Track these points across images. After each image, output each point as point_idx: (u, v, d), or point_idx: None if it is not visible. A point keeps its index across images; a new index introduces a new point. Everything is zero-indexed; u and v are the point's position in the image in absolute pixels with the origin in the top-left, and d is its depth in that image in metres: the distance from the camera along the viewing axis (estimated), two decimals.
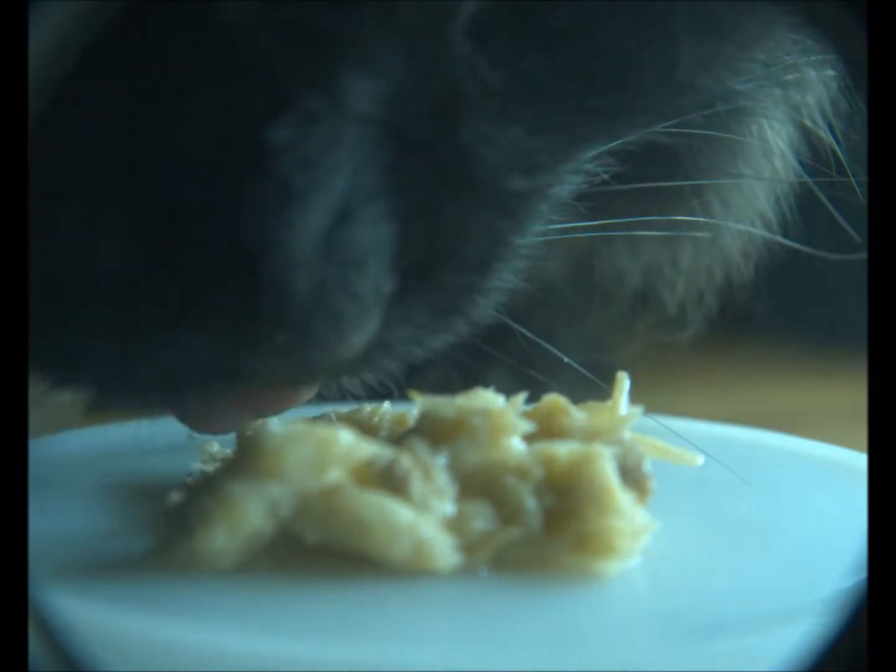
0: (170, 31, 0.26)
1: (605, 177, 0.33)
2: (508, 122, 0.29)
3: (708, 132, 0.35)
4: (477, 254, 0.30)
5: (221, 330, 0.27)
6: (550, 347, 0.36)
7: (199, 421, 0.31)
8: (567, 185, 0.32)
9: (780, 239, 0.40)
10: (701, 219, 0.38)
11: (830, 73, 0.37)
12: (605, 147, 0.32)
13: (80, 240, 0.27)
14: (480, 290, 0.31)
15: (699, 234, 0.39)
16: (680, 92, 0.32)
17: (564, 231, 0.33)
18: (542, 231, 0.32)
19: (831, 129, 0.38)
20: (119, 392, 0.29)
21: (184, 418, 0.31)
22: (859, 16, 0.22)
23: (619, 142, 0.32)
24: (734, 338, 0.49)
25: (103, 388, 0.29)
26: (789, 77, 0.36)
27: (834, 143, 0.38)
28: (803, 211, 0.40)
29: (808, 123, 0.38)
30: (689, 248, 0.42)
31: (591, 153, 0.32)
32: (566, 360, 0.36)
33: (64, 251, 0.27)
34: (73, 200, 0.27)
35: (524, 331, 0.35)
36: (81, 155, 0.27)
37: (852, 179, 0.36)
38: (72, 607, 0.23)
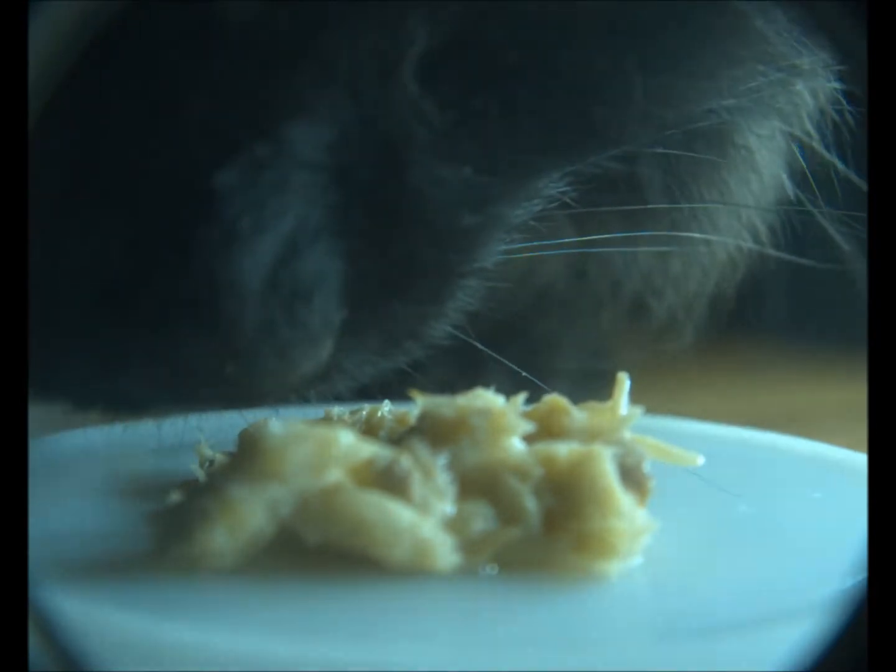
0: (124, 77, 0.27)
1: (567, 200, 0.34)
2: (457, 160, 0.30)
3: (684, 152, 0.35)
4: (428, 285, 0.31)
5: (174, 359, 0.28)
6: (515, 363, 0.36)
7: None
8: (524, 210, 0.33)
9: (769, 251, 0.41)
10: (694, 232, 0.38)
11: (828, 84, 0.36)
12: (564, 172, 0.33)
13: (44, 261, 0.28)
14: (433, 317, 0.32)
15: (675, 248, 0.39)
16: (635, 124, 0.33)
17: (528, 250, 0.34)
18: (502, 253, 0.33)
19: (826, 142, 0.38)
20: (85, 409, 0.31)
21: None
22: (859, 15, 0.22)
23: (577, 166, 0.33)
24: (733, 338, 0.49)
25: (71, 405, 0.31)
26: (780, 96, 0.36)
27: (828, 153, 0.38)
28: (796, 219, 0.40)
29: (804, 138, 0.38)
30: (678, 260, 0.42)
31: (549, 180, 0.33)
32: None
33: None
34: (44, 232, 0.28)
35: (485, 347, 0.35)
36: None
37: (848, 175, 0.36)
38: (72, 607, 0.23)
